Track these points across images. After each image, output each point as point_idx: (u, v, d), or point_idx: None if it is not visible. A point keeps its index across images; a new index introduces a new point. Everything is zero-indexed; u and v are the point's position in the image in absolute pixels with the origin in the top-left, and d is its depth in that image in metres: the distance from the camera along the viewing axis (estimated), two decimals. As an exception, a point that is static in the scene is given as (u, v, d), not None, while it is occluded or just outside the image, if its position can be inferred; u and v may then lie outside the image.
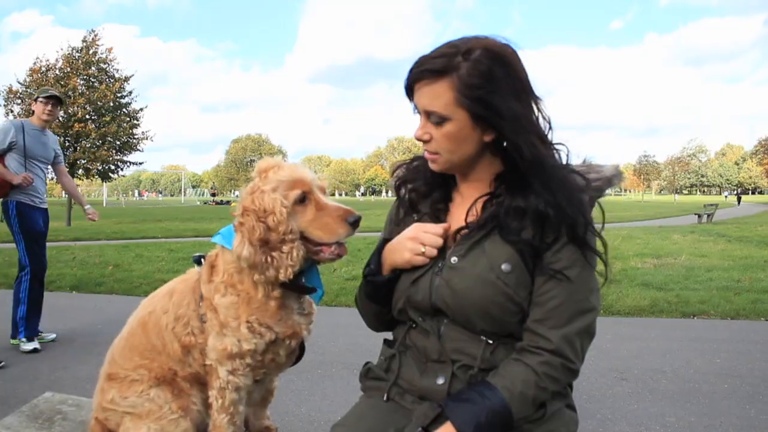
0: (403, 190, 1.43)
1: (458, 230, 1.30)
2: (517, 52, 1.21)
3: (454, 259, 1.27)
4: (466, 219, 1.29)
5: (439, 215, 1.35)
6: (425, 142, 1.25)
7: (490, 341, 1.25)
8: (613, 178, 1.29)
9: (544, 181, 1.19)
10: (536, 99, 1.22)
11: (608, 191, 1.33)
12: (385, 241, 1.39)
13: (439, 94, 1.18)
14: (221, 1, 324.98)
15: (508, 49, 1.20)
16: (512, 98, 1.17)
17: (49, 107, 4.79)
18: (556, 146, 1.26)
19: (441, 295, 1.26)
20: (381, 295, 1.40)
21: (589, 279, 1.23)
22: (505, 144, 1.22)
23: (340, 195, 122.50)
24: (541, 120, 1.23)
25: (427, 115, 1.22)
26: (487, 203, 1.28)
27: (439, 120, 1.20)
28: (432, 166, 1.30)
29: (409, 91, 1.25)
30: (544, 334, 1.19)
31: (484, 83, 1.15)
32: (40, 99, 4.84)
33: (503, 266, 1.21)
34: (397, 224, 1.46)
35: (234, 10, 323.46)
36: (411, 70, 1.21)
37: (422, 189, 1.38)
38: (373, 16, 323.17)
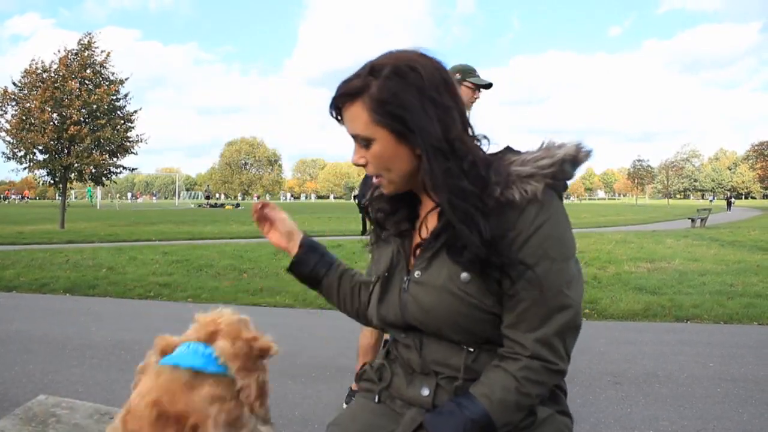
0: (370, 210, 1.42)
1: (418, 245, 1.28)
2: (432, 61, 1.19)
3: (417, 273, 1.25)
4: (421, 233, 1.28)
5: (403, 234, 1.34)
6: (364, 166, 1.24)
7: (471, 349, 1.23)
8: (577, 156, 1.20)
9: (445, 196, 1.16)
10: (447, 107, 1.17)
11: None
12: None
13: (356, 116, 1.18)
14: (222, 6, 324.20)
15: (419, 60, 1.18)
16: (420, 110, 1.15)
17: (477, 94, 3.76)
18: (479, 141, 1.24)
19: (411, 312, 1.26)
20: (305, 279, 1.57)
21: (561, 272, 1.15)
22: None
23: (335, 198, 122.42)
24: (453, 127, 1.17)
25: (355, 138, 1.22)
26: (441, 213, 1.24)
27: (365, 142, 1.20)
28: (382, 190, 1.30)
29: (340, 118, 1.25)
30: (518, 340, 1.15)
31: (391, 98, 1.14)
32: (466, 83, 3.70)
33: (462, 275, 1.18)
34: (373, 244, 1.45)
35: (234, 15, 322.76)
36: (332, 98, 1.22)
37: (386, 207, 1.37)
38: (374, 22, 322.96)
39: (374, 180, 1.28)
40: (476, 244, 1.13)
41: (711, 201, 76.94)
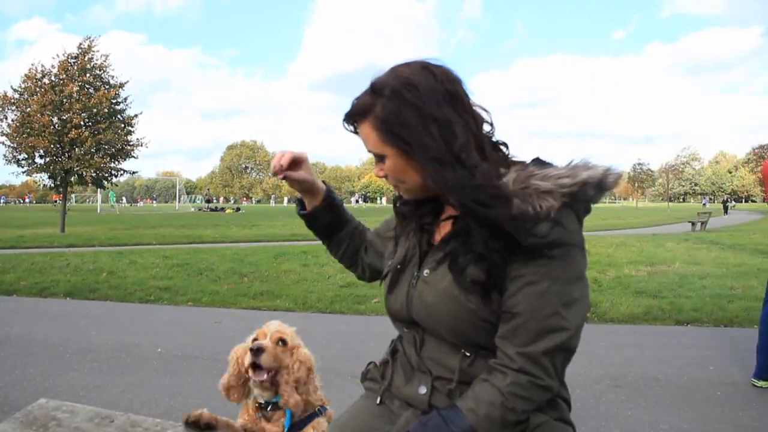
0: (398, 203, 1.45)
1: (431, 245, 1.33)
2: (436, 74, 1.18)
3: (426, 272, 1.28)
4: (435, 237, 1.33)
5: (424, 228, 1.37)
6: (385, 177, 1.30)
7: (468, 353, 1.24)
8: (603, 181, 1.16)
9: (464, 202, 1.18)
10: (449, 122, 1.17)
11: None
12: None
13: (367, 135, 1.23)
14: (226, 11, 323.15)
15: (418, 76, 1.18)
16: (419, 128, 1.17)
17: None
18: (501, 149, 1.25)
19: (415, 308, 1.28)
20: (318, 228, 1.60)
21: (561, 293, 1.14)
22: None
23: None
24: (462, 137, 1.17)
25: (372, 153, 1.27)
26: (454, 222, 1.28)
27: (379, 158, 1.25)
28: (405, 196, 1.36)
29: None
30: (507, 352, 1.16)
31: (392, 118, 1.18)
32: None
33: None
34: (387, 234, 1.54)
35: (239, 19, 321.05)
36: (344, 115, 1.27)
37: (411, 201, 1.39)
38: (379, 25, 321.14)
39: (394, 189, 1.35)
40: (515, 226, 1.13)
41: (704, 205, 71.98)
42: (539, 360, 1.14)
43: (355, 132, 1.28)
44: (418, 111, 1.16)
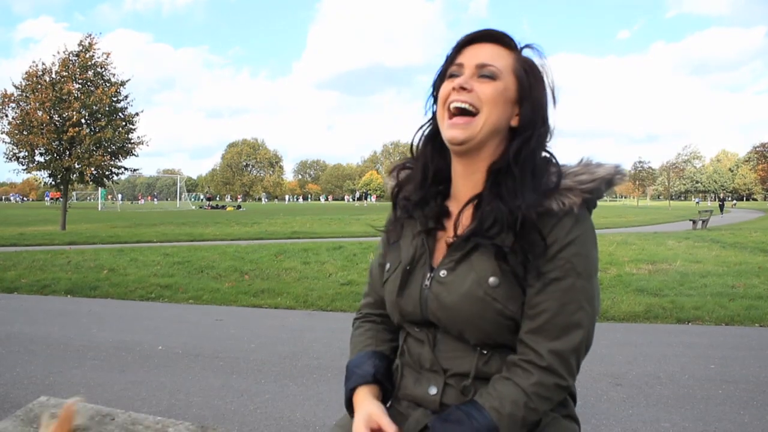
0: (400, 196, 1.40)
1: (449, 244, 1.27)
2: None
3: (443, 273, 1.25)
4: (455, 229, 1.26)
5: (429, 231, 1.32)
6: (467, 91, 1.22)
7: (485, 351, 1.23)
8: (613, 178, 1.21)
9: (524, 179, 1.20)
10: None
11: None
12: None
13: (502, 56, 1.24)
14: (233, 10, 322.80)
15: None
16: (543, 88, 1.24)
17: None
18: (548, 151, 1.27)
19: (431, 309, 1.26)
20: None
21: (584, 289, 1.17)
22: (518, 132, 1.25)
23: (335, 200, 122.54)
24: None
25: (480, 68, 1.23)
26: (475, 210, 1.24)
27: (492, 75, 1.22)
28: (456, 132, 1.22)
29: (458, 51, 1.28)
30: (536, 348, 1.16)
31: (532, 66, 1.24)
32: None
33: (490, 280, 1.18)
34: (392, 232, 1.41)
35: (245, 18, 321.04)
36: (480, 31, 1.27)
37: (415, 197, 1.35)
38: (384, 25, 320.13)
39: (457, 121, 1.22)
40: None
41: (697, 203, 68.55)
42: (567, 357, 1.17)
43: (455, 56, 1.27)
44: (543, 79, 1.25)
